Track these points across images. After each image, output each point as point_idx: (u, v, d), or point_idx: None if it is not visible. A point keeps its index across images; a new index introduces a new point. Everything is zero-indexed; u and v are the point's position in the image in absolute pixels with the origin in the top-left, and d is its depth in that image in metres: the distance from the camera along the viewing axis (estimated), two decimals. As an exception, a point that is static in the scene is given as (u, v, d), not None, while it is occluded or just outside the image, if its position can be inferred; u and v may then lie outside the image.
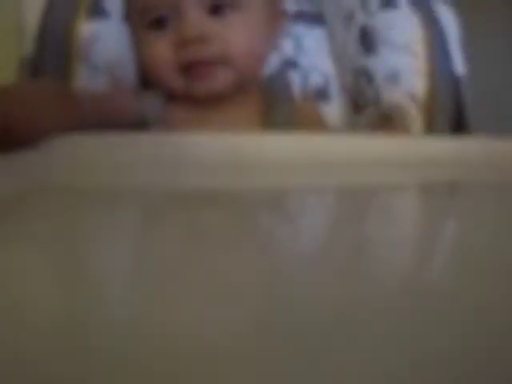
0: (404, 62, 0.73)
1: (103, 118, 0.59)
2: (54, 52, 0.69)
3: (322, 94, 0.76)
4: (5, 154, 0.44)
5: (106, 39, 0.70)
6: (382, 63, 0.73)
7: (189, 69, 0.60)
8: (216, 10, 0.60)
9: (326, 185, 0.48)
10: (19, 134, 0.49)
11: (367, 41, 0.75)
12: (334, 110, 0.76)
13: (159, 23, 0.60)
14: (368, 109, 0.74)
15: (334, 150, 0.50)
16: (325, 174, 0.48)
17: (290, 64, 0.76)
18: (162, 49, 0.60)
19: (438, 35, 0.76)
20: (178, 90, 0.62)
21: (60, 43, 0.69)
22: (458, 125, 0.73)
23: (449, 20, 0.78)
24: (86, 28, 0.69)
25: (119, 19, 0.71)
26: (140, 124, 0.62)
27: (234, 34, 0.61)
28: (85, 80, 0.69)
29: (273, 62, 0.71)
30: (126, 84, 0.70)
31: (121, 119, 0.61)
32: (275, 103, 0.66)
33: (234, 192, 0.43)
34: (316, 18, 0.80)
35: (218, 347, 0.17)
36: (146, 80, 0.69)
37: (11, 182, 0.40)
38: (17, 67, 0.71)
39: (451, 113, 0.73)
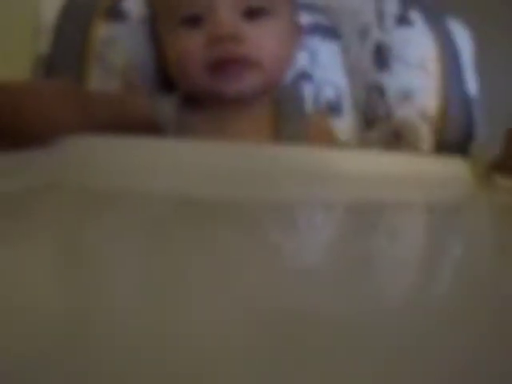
0: (417, 80, 0.73)
1: (116, 119, 0.59)
2: (69, 51, 0.69)
3: (334, 108, 0.77)
4: (16, 151, 0.45)
5: (122, 41, 0.70)
6: (395, 80, 0.74)
7: (219, 67, 0.60)
8: (249, 14, 0.60)
9: (333, 199, 0.48)
10: (31, 131, 0.49)
11: (381, 57, 0.75)
12: (345, 124, 0.77)
13: (192, 21, 0.60)
14: (379, 124, 0.74)
15: (343, 164, 0.51)
16: (332, 188, 0.48)
17: (304, 76, 0.76)
18: (194, 45, 0.60)
19: (452, 54, 0.76)
20: (204, 88, 0.62)
21: (76, 43, 0.69)
22: (468, 143, 0.73)
23: (463, 39, 0.78)
24: (104, 29, 0.70)
25: (138, 22, 0.71)
26: (153, 128, 0.63)
27: (265, 38, 0.61)
28: (99, 81, 0.69)
29: (287, 74, 0.71)
30: (141, 87, 0.70)
31: (134, 122, 0.61)
32: (288, 115, 0.66)
33: (243, 203, 0.43)
34: (331, 32, 0.80)
35: (218, 357, 0.17)
36: (168, 81, 0.70)
37: (20, 180, 0.40)
38: (32, 65, 0.71)
39: (462, 132, 0.73)
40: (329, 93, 0.76)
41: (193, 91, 0.64)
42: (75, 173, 0.46)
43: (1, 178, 0.39)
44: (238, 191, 0.46)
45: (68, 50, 0.70)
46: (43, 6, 0.72)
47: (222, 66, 0.60)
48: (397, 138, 0.70)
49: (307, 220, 0.42)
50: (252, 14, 0.61)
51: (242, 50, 0.60)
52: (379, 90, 0.74)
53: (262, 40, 0.61)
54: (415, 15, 0.77)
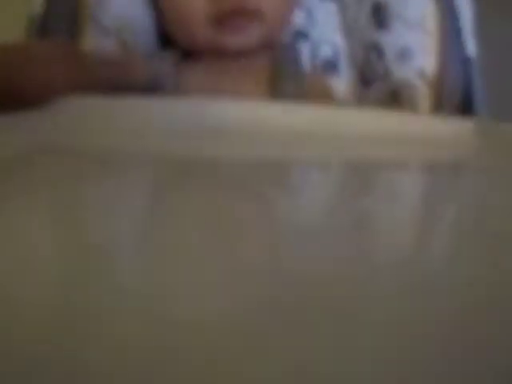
0: (415, 39, 0.72)
1: (113, 80, 0.59)
2: (63, 12, 0.69)
3: (331, 67, 0.76)
4: (12, 113, 0.44)
5: (115, 0, 0.69)
6: (393, 39, 0.73)
7: (222, 20, 0.59)
8: None
9: (330, 158, 0.48)
10: (27, 92, 0.49)
11: (379, 16, 0.75)
12: (342, 82, 0.76)
13: None
14: (377, 84, 0.73)
15: (340, 123, 0.50)
16: (330, 147, 0.48)
17: (301, 35, 0.76)
18: None
19: (452, 14, 0.75)
20: (205, 42, 0.62)
21: (69, 3, 0.69)
22: (466, 105, 0.73)
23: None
24: None
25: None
26: (151, 87, 0.62)
27: None
28: (94, 41, 0.68)
29: (285, 31, 0.71)
30: (138, 46, 0.69)
31: (131, 82, 0.61)
32: (284, 73, 0.65)
33: (239, 163, 0.43)
34: (329, -9, 0.79)
35: (220, 322, 0.17)
36: (165, 37, 0.69)
37: (17, 142, 0.40)
38: (25, 27, 0.70)
39: (460, 94, 0.73)
40: (326, 52, 0.76)
41: (193, 46, 0.63)
42: (70, 134, 0.46)
43: None
44: (235, 150, 0.46)
45: (60, 10, 0.69)
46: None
47: (225, 18, 0.59)
48: (395, 98, 0.70)
49: (304, 180, 0.42)
50: None
51: (247, 3, 0.59)
52: (377, 49, 0.74)
53: None
54: (415, -26, 0.76)
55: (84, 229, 0.27)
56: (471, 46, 0.76)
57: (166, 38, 0.70)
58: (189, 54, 0.66)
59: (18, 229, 0.25)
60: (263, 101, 0.61)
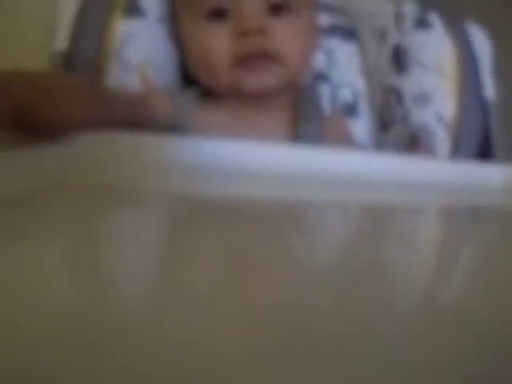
0: (434, 84, 0.73)
1: (135, 118, 0.60)
2: (87, 48, 0.69)
3: (350, 110, 0.77)
4: (30, 147, 0.45)
5: (140, 38, 0.70)
6: (412, 83, 0.73)
7: (244, 61, 0.60)
8: (273, 9, 0.61)
9: (348, 201, 0.48)
10: (48, 123, 0.49)
11: (399, 60, 0.75)
12: (361, 126, 0.77)
13: (218, 14, 0.60)
14: (396, 127, 0.73)
15: (358, 167, 0.51)
16: (348, 191, 0.48)
17: (321, 77, 0.76)
18: (220, 39, 0.60)
19: (470, 58, 0.76)
20: (227, 83, 0.62)
21: (94, 39, 0.69)
22: (485, 150, 0.73)
23: (481, 43, 0.78)
24: (122, 26, 0.70)
25: (156, 19, 0.71)
26: (172, 124, 0.63)
27: (289, 34, 0.62)
28: (117, 78, 0.69)
29: (306, 74, 0.71)
30: (160, 83, 0.70)
31: (152, 119, 0.62)
32: (304, 115, 0.66)
33: (258, 203, 0.43)
34: (349, 33, 0.80)
35: (234, 355, 0.18)
36: (188, 76, 0.70)
37: (33, 176, 0.40)
38: (49, 61, 0.71)
39: (478, 137, 0.73)
40: (346, 94, 0.76)
41: (215, 87, 0.64)
42: (88, 169, 0.46)
43: (13, 174, 0.39)
44: (253, 191, 0.46)
45: (86, 45, 0.69)
46: (60, 2, 0.72)
47: (247, 60, 0.60)
48: (413, 141, 0.70)
49: (322, 221, 0.42)
50: (275, 9, 0.61)
51: (269, 45, 0.60)
52: (396, 93, 0.74)
53: (286, 35, 0.61)
54: (434, 18, 0.76)
55: (98, 265, 0.27)
56: (490, 90, 0.76)
57: (188, 77, 0.71)
58: (210, 92, 0.67)
59: (31, 264, 0.25)
60: (283, 142, 0.62)
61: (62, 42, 0.70)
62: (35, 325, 0.19)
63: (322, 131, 0.65)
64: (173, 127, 0.63)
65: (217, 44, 0.60)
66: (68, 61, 0.69)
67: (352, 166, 0.50)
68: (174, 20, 0.70)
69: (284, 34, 0.61)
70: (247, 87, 0.62)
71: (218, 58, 0.60)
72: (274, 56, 0.61)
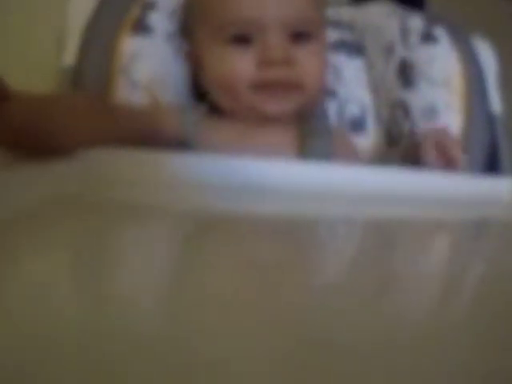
0: (441, 98, 0.73)
1: (142, 134, 0.60)
2: (95, 64, 0.70)
3: (358, 125, 0.77)
4: (37, 162, 0.45)
5: (148, 55, 0.70)
6: (419, 97, 0.74)
7: (266, 88, 0.61)
8: (296, 37, 0.62)
9: (356, 216, 0.48)
10: (54, 140, 0.50)
11: (406, 74, 0.76)
12: (369, 140, 0.77)
13: (243, 40, 0.61)
14: (403, 142, 0.74)
15: (365, 182, 0.51)
16: (355, 206, 0.48)
17: (328, 93, 0.77)
18: (244, 64, 0.61)
19: (477, 72, 0.76)
20: (247, 105, 0.63)
21: (102, 56, 0.70)
22: (492, 163, 0.73)
23: (487, 57, 0.78)
24: (130, 43, 0.70)
25: (163, 36, 0.72)
26: (178, 141, 0.63)
27: (311, 62, 0.63)
28: (125, 95, 0.69)
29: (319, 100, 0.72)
30: (167, 100, 0.71)
31: (159, 137, 0.62)
32: (312, 131, 0.66)
33: (266, 218, 0.43)
34: (356, 48, 0.80)
35: (244, 373, 0.18)
36: (195, 93, 0.70)
37: (41, 191, 0.40)
38: (57, 77, 0.72)
39: (485, 151, 0.73)
40: (353, 109, 0.77)
41: (232, 107, 0.64)
42: (96, 185, 0.46)
43: (21, 190, 0.39)
44: (259, 207, 0.46)
45: (94, 62, 0.70)
46: (69, 18, 0.73)
47: (267, 86, 0.61)
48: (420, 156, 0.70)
49: (330, 236, 0.42)
50: (297, 37, 0.62)
51: (293, 75, 0.61)
52: (403, 107, 0.74)
53: (308, 63, 0.62)
54: (440, 32, 0.77)
55: (107, 280, 0.27)
56: (496, 104, 0.76)
57: (195, 93, 0.71)
58: (218, 109, 0.67)
59: (38, 280, 0.25)
60: (291, 158, 0.62)
61: (70, 57, 0.71)
62: (41, 340, 0.19)
63: (331, 147, 0.65)
64: (180, 143, 0.63)
65: (240, 68, 0.61)
66: (76, 76, 0.70)
67: (360, 181, 0.51)
68: (187, 38, 0.70)
69: (306, 63, 0.62)
70: (266, 111, 0.62)
71: (241, 81, 0.61)
72: (295, 84, 0.62)
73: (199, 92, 0.71)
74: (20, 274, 0.26)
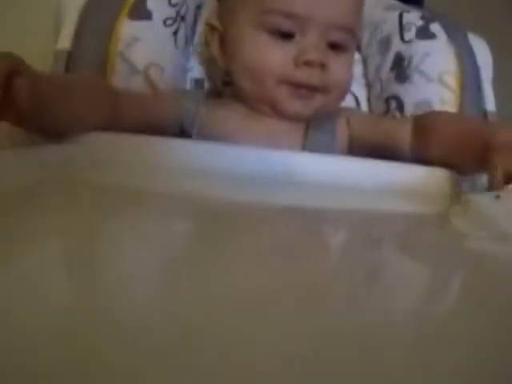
0: (436, 93, 0.73)
1: (141, 116, 0.60)
2: (93, 48, 0.69)
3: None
4: (36, 144, 0.45)
5: (146, 39, 0.70)
6: (413, 92, 0.74)
7: (293, 86, 0.61)
8: (333, 46, 0.62)
9: (355, 207, 0.48)
10: (58, 122, 0.49)
11: (401, 69, 0.76)
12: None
13: (285, 34, 0.61)
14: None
15: (359, 174, 0.51)
16: (355, 196, 0.49)
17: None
18: (280, 58, 0.60)
19: (472, 69, 0.76)
20: (269, 98, 0.63)
21: (100, 40, 0.70)
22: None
23: (483, 55, 0.78)
24: (128, 27, 0.70)
25: (161, 21, 0.72)
26: (178, 124, 0.63)
27: (343, 71, 0.63)
28: (123, 78, 0.69)
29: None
30: (166, 85, 0.71)
31: (158, 122, 0.62)
32: (318, 126, 0.66)
33: (257, 208, 0.43)
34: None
35: (231, 346, 0.18)
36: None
37: (37, 173, 0.40)
38: (53, 61, 0.71)
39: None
40: (347, 102, 0.77)
41: (253, 95, 0.64)
42: (93, 168, 0.47)
43: (19, 171, 0.39)
44: (251, 196, 0.46)
45: (92, 45, 0.69)
46: (65, 2, 0.73)
47: (297, 87, 0.61)
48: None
49: (325, 227, 0.42)
50: (334, 46, 0.62)
51: (325, 80, 0.61)
52: (398, 102, 0.75)
53: (340, 72, 0.63)
54: (437, 28, 0.77)
55: (92, 259, 0.27)
56: (491, 101, 0.77)
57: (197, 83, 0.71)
58: (219, 94, 0.68)
59: (30, 266, 0.25)
60: (295, 148, 0.63)
61: (65, 41, 0.70)
62: (34, 324, 0.19)
63: (335, 141, 0.66)
64: (179, 126, 0.63)
65: (275, 61, 0.60)
66: (71, 61, 0.70)
67: (358, 173, 0.51)
68: (220, 15, 0.68)
69: (337, 72, 0.62)
70: (285, 110, 0.63)
71: (272, 74, 0.61)
72: (321, 90, 0.62)
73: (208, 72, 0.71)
74: (11, 257, 0.25)
